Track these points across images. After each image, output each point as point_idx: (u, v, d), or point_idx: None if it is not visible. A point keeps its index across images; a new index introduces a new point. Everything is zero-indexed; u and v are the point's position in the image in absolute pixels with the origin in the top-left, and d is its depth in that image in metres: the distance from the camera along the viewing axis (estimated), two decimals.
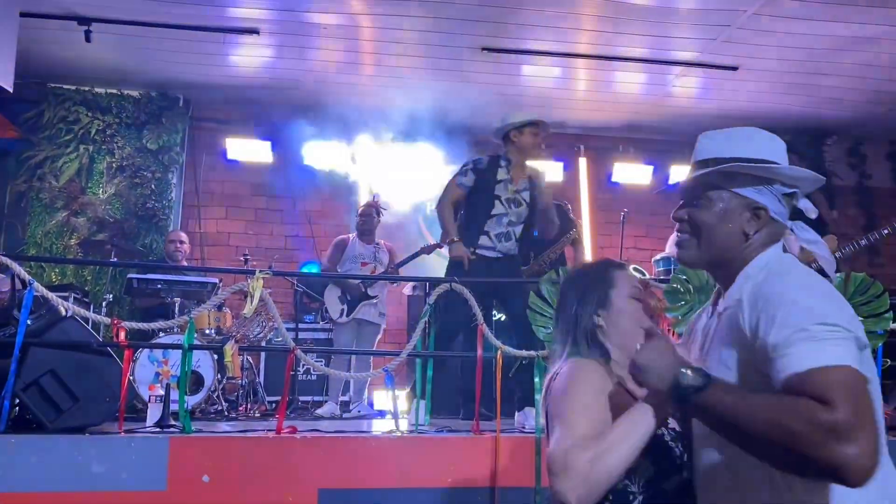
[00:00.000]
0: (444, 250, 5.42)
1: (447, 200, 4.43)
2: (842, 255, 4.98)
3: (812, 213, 1.52)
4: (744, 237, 1.47)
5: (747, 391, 1.32)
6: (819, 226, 5.13)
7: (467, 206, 4.41)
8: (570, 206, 5.81)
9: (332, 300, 5.69)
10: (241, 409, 5.36)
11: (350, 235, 5.97)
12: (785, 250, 1.50)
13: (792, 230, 1.52)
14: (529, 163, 4.43)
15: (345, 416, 5.30)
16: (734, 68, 6.29)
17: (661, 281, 3.62)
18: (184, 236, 6.22)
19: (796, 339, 1.26)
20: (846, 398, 1.18)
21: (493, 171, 4.34)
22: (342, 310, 5.62)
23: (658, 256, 5.92)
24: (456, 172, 4.51)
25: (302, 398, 5.90)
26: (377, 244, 5.89)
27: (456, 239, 4.30)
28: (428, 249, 5.77)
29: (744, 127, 1.55)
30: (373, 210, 5.91)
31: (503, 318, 5.44)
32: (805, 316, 1.27)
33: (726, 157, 1.49)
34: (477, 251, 4.23)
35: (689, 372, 1.34)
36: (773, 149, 1.51)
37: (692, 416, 1.45)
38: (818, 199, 5.30)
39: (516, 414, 4.06)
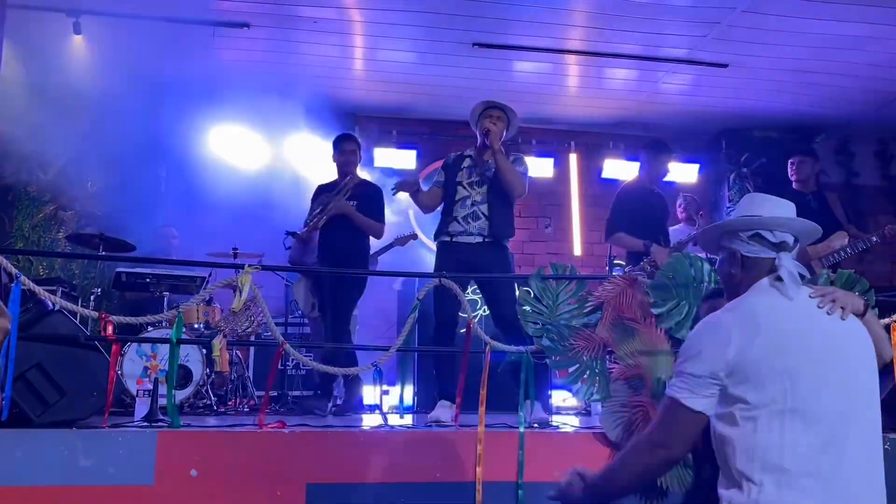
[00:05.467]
0: (428, 241, 5.42)
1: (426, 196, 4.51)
2: (853, 251, 5.02)
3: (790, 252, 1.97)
4: (731, 276, 2.01)
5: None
6: (832, 225, 5.18)
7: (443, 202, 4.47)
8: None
9: (302, 293, 5.40)
10: (229, 403, 5.36)
11: None
12: (781, 279, 1.91)
13: (776, 261, 1.93)
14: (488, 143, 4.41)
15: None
16: (724, 65, 6.32)
17: (649, 276, 3.63)
18: (175, 231, 6.20)
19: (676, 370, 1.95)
20: (662, 422, 1.92)
21: (460, 162, 4.41)
22: (313, 304, 5.37)
23: None
24: None
25: (292, 393, 5.89)
26: None
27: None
28: (402, 240, 5.75)
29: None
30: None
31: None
32: (681, 353, 1.94)
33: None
34: (454, 239, 4.25)
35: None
36: (750, 205, 2.02)
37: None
38: (833, 201, 5.36)
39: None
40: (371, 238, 5.08)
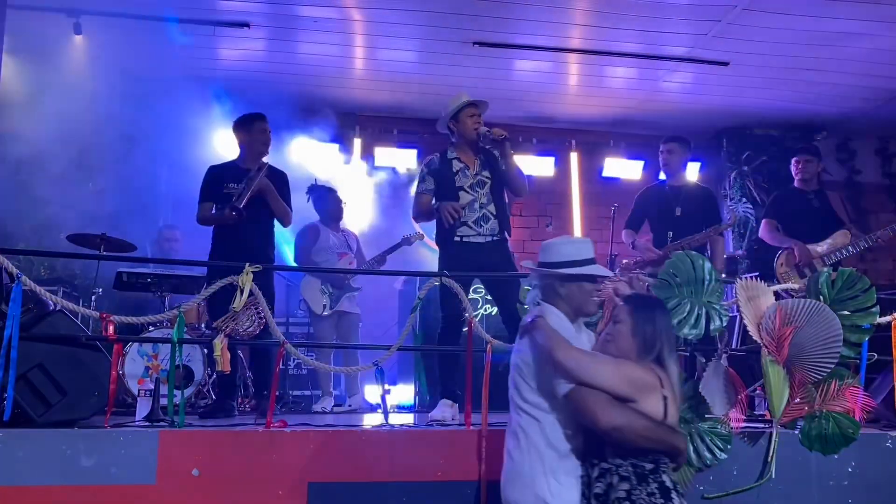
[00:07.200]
0: (431, 242, 5.41)
1: (419, 210, 4.40)
2: (855, 250, 5.01)
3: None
4: None
5: None
6: (834, 223, 5.13)
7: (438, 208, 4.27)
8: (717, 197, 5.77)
9: (313, 293, 5.44)
10: None
11: (316, 223, 5.70)
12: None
13: None
14: (476, 141, 4.28)
15: (335, 410, 5.29)
16: (725, 63, 6.32)
17: (651, 275, 3.62)
18: (178, 232, 6.19)
19: None
20: None
21: (448, 165, 4.26)
22: (324, 303, 5.47)
23: None
24: (416, 182, 4.40)
25: (293, 393, 5.89)
26: (344, 231, 5.80)
27: (436, 205, 4.21)
28: (410, 240, 5.75)
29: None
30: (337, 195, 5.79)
31: (494, 311, 5.46)
32: None
33: None
34: (463, 240, 4.17)
35: None
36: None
37: None
38: (835, 199, 5.33)
39: None
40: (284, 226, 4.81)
